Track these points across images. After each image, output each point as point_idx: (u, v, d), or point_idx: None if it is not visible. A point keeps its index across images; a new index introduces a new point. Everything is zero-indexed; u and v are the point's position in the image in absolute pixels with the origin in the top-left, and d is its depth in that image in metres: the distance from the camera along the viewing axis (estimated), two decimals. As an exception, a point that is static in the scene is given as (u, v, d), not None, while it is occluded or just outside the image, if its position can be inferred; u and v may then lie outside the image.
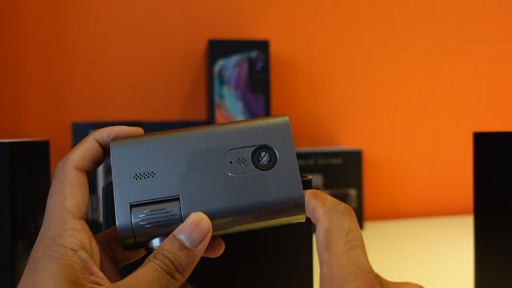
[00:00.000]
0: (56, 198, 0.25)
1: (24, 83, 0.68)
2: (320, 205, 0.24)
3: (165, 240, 0.24)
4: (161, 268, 0.23)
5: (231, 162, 0.26)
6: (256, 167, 0.26)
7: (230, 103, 0.64)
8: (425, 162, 0.82)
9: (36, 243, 0.23)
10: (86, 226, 0.25)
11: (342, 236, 0.23)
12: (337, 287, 0.21)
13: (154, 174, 0.25)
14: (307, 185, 0.31)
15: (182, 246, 0.24)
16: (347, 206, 0.25)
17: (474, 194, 0.41)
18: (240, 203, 0.25)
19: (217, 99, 0.64)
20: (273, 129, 0.26)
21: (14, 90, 0.68)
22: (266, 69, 0.65)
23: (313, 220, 0.25)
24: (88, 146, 0.26)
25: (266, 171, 0.25)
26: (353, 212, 0.25)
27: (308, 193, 0.26)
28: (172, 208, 0.25)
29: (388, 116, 0.81)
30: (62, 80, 0.69)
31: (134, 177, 0.25)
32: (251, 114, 0.65)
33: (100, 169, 0.63)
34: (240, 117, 0.65)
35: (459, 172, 0.82)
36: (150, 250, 0.25)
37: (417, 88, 0.82)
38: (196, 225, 0.24)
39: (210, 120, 0.65)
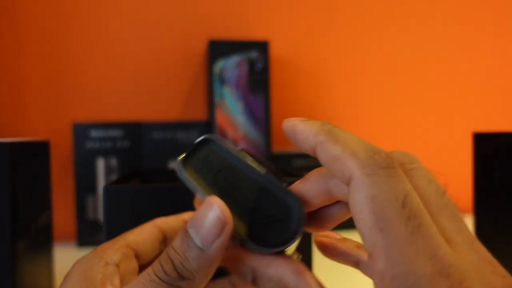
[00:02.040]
0: (125, 232, 0.26)
1: (24, 83, 0.68)
2: (350, 155, 0.17)
3: (177, 235, 0.19)
4: (158, 278, 0.19)
5: None
6: None
7: (230, 103, 0.64)
8: (425, 162, 0.82)
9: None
10: (132, 256, 0.25)
11: (398, 211, 0.16)
12: None
13: None
14: None
15: (192, 245, 0.18)
16: (388, 155, 0.17)
17: (474, 194, 0.41)
18: None
19: (217, 99, 0.64)
20: None
21: (14, 90, 0.68)
22: (266, 70, 0.65)
23: (334, 174, 0.17)
24: (173, 227, 0.28)
25: None
26: (397, 165, 0.17)
27: (316, 128, 0.18)
28: None
29: (388, 116, 0.81)
30: (62, 80, 0.69)
31: None
32: (251, 114, 0.65)
33: (101, 169, 0.63)
34: (240, 117, 0.65)
35: (459, 172, 0.82)
36: None
37: (417, 88, 0.82)
38: (208, 211, 0.18)
39: (210, 120, 0.65)
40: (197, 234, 0.18)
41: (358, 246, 0.23)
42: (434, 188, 0.18)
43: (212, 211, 0.18)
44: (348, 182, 0.17)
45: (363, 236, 0.16)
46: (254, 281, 0.19)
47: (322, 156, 0.18)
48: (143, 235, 0.26)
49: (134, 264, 0.25)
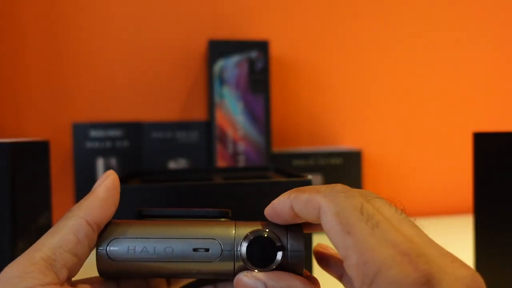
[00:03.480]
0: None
1: (24, 83, 0.68)
2: (315, 193, 0.22)
3: None
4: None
5: None
6: None
7: (230, 103, 0.64)
8: (425, 162, 0.82)
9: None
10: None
11: (358, 216, 0.20)
12: (374, 273, 0.18)
13: None
14: (307, 185, 0.31)
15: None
16: (343, 185, 0.22)
17: (474, 194, 0.41)
18: None
19: (217, 99, 0.64)
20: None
21: (14, 90, 0.68)
22: (266, 69, 0.65)
23: (309, 217, 0.22)
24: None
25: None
26: (353, 189, 0.22)
27: (287, 193, 0.23)
28: None
29: (388, 116, 0.81)
30: (62, 80, 0.69)
31: None
32: (251, 114, 0.65)
33: (100, 169, 0.63)
34: (240, 117, 0.65)
35: (459, 172, 0.82)
36: None
37: (416, 88, 0.82)
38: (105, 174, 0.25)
39: (210, 120, 0.65)
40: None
41: None
42: (393, 209, 0.22)
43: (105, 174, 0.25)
44: (319, 213, 0.21)
45: (337, 246, 0.20)
46: None
47: (297, 206, 0.22)
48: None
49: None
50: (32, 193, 0.40)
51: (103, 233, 0.24)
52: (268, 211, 0.24)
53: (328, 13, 0.77)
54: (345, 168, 0.68)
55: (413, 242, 0.19)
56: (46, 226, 0.44)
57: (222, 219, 0.25)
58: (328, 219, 0.20)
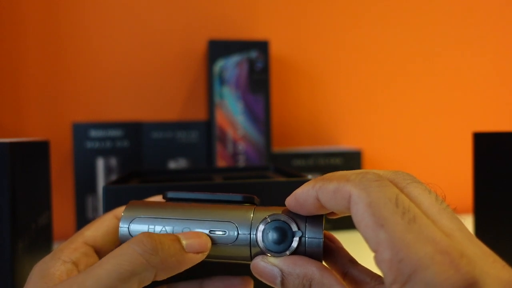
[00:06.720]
0: (83, 228, 0.27)
1: (24, 83, 0.68)
2: (344, 182, 0.20)
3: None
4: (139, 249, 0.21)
5: None
6: None
7: (230, 103, 0.64)
8: (425, 162, 0.82)
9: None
10: (92, 253, 0.26)
11: (393, 209, 0.18)
12: (410, 273, 0.17)
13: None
14: None
15: (177, 240, 0.23)
16: (375, 172, 0.21)
17: (474, 194, 0.41)
18: None
19: (217, 99, 0.64)
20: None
21: (14, 90, 0.68)
22: (266, 69, 0.65)
23: (336, 208, 0.21)
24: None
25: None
26: (386, 173, 0.21)
27: (312, 182, 0.22)
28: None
29: (388, 116, 0.81)
30: (62, 80, 0.69)
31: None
32: (251, 114, 0.65)
33: (100, 169, 0.63)
34: (240, 117, 0.65)
35: (459, 172, 0.82)
36: None
37: (417, 88, 0.82)
38: (197, 235, 0.24)
39: (210, 120, 0.65)
40: (184, 239, 0.23)
41: (351, 260, 0.24)
42: (433, 197, 0.20)
43: (202, 238, 0.23)
44: (348, 204, 0.19)
45: (368, 239, 0.18)
46: (282, 281, 0.22)
47: (323, 197, 0.21)
48: (102, 228, 0.27)
49: (94, 261, 0.25)
50: (32, 193, 0.40)
51: (127, 212, 0.25)
52: (290, 201, 0.23)
53: (328, 13, 0.77)
54: (345, 168, 0.68)
55: (453, 239, 0.18)
56: (46, 226, 0.44)
57: (246, 205, 0.25)
58: (359, 210, 0.19)
